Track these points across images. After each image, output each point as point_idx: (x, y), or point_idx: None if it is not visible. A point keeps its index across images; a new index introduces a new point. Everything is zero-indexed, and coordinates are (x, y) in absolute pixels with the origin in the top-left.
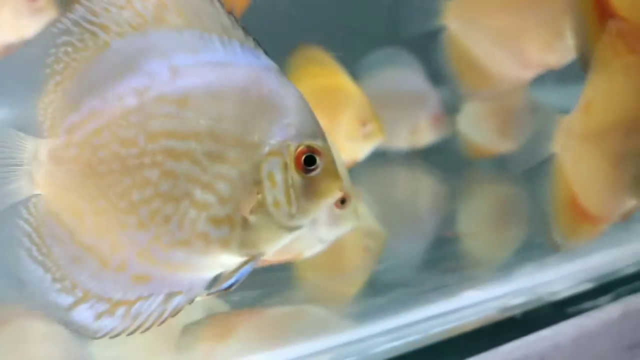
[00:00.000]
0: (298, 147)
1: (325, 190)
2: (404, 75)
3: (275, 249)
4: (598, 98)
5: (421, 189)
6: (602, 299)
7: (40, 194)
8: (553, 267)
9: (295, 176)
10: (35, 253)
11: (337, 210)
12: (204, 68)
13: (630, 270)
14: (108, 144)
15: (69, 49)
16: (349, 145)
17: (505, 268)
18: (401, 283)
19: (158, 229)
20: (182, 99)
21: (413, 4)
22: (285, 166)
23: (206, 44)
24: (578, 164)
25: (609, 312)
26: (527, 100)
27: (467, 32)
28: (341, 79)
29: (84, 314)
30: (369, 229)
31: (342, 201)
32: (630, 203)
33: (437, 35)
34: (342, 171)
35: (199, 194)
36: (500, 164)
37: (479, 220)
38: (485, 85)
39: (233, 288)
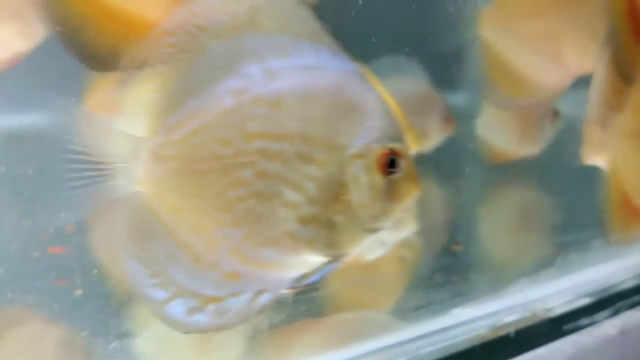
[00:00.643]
0: (381, 149)
1: (406, 192)
2: (408, 82)
3: (356, 250)
4: None
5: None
6: (600, 315)
7: (139, 191)
8: (548, 282)
9: (377, 178)
10: (135, 249)
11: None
12: (295, 71)
13: (629, 284)
14: (207, 143)
15: (173, 50)
16: None
17: (498, 283)
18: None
19: (250, 228)
20: (276, 101)
21: (445, 14)
22: (369, 168)
23: (297, 48)
24: (629, 163)
25: (607, 328)
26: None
27: (502, 40)
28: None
29: (177, 309)
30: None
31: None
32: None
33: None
34: None
35: (289, 193)
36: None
37: (479, 229)
38: (523, 94)
39: (316, 284)
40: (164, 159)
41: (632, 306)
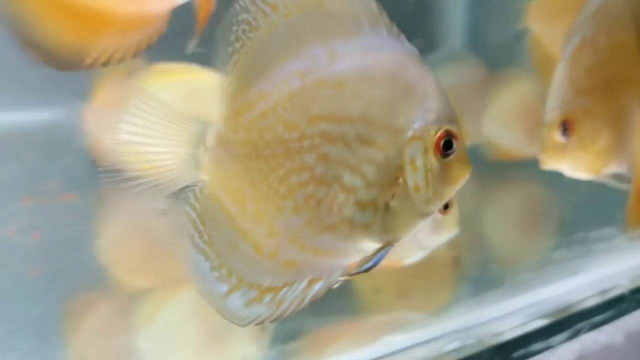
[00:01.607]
0: (438, 131)
1: (459, 174)
2: (467, 70)
3: (409, 234)
4: None
5: None
6: (556, 339)
7: (205, 179)
8: (495, 302)
9: (433, 160)
10: (198, 240)
11: (439, 216)
12: (357, 53)
13: (590, 302)
14: (273, 126)
15: (246, 27)
16: None
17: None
18: (303, 330)
19: (310, 214)
20: (339, 83)
21: (493, 8)
22: (426, 150)
23: (358, 29)
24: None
25: (564, 353)
26: None
27: (550, 33)
28: None
29: (236, 302)
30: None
31: (446, 206)
32: None
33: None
34: None
35: (348, 177)
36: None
37: None
38: None
39: (372, 269)
40: (231, 144)
41: (592, 327)
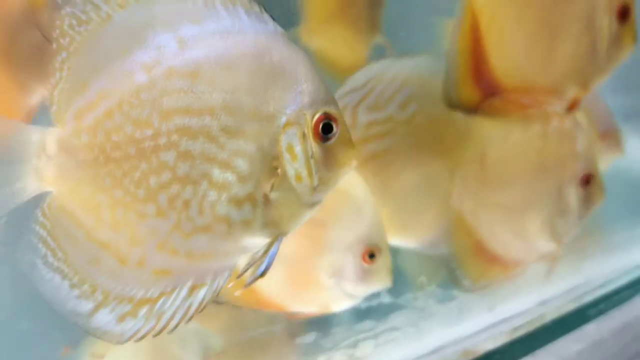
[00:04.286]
0: (315, 114)
1: (344, 158)
2: None
3: (297, 227)
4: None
5: None
6: None
7: (51, 191)
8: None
9: (314, 146)
10: (51, 259)
11: (365, 265)
12: (211, 38)
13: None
14: (121, 126)
15: (73, 21)
16: None
17: None
18: None
19: (178, 216)
20: (193, 72)
21: None
22: (304, 136)
23: (211, 13)
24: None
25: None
26: None
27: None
28: None
29: (106, 318)
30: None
31: (371, 255)
32: (546, 246)
33: None
34: (376, 217)
35: (217, 173)
36: None
37: None
38: None
39: (266, 274)
40: (75, 150)
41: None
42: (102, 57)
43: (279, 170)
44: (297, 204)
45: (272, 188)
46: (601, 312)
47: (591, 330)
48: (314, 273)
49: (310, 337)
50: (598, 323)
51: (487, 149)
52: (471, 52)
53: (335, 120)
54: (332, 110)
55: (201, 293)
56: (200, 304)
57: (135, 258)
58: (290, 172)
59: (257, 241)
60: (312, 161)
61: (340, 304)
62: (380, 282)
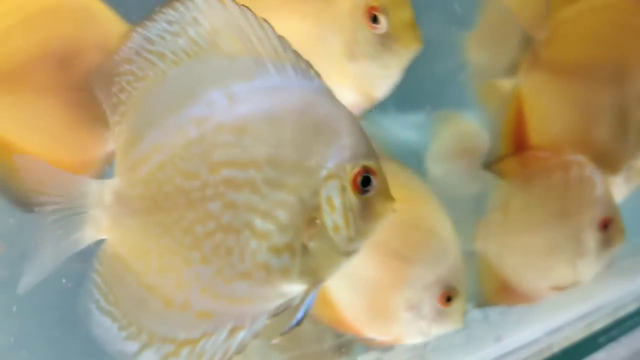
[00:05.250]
0: (354, 168)
1: (381, 210)
2: None
3: (333, 275)
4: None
5: None
6: None
7: (106, 239)
8: None
9: (352, 198)
10: (104, 303)
11: (441, 307)
12: (259, 94)
13: None
14: (172, 177)
15: (131, 77)
16: None
17: None
18: None
19: (221, 263)
20: (241, 127)
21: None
22: (343, 189)
23: (260, 69)
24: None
25: None
26: None
27: (490, 62)
28: None
29: (150, 358)
30: None
31: (448, 299)
32: (569, 286)
33: None
34: (458, 260)
35: (259, 223)
36: None
37: None
38: None
39: (302, 322)
40: (129, 200)
41: None
42: (156, 112)
43: (317, 221)
44: (334, 254)
45: (310, 238)
46: (612, 339)
47: (601, 359)
48: (392, 304)
49: None
50: (608, 351)
51: (510, 197)
52: (514, 133)
53: (374, 173)
54: (371, 163)
55: (240, 335)
56: (238, 345)
57: (179, 301)
58: (329, 223)
59: (294, 288)
60: (350, 213)
61: (412, 338)
62: (453, 325)
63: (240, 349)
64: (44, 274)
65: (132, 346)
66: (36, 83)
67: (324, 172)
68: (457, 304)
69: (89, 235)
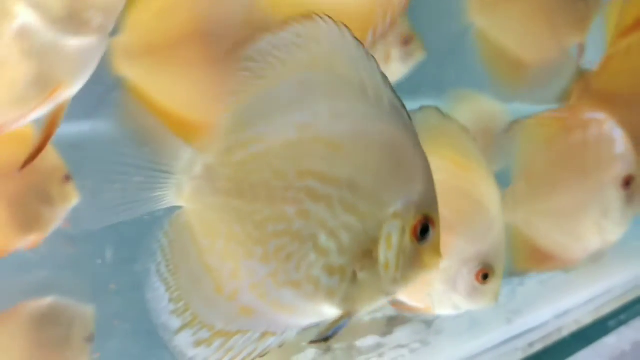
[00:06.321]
0: (418, 214)
1: (429, 262)
2: None
3: (368, 310)
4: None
5: None
6: None
7: (183, 207)
8: None
9: (408, 242)
10: (163, 268)
11: (477, 284)
12: (359, 117)
13: None
14: (262, 170)
15: (248, 74)
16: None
17: None
18: None
19: (278, 265)
20: (335, 144)
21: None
22: (403, 230)
23: (363, 96)
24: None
25: None
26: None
27: (496, 24)
28: None
29: (187, 340)
30: None
31: (485, 276)
32: (595, 246)
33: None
34: (501, 238)
35: (323, 239)
36: None
37: None
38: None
39: (330, 340)
40: (217, 178)
41: None
42: (267, 107)
43: (373, 253)
44: (377, 290)
45: (362, 268)
46: (622, 323)
47: (611, 343)
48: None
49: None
50: (618, 335)
51: (532, 162)
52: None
53: (434, 225)
54: (434, 215)
55: (269, 341)
56: (264, 350)
57: (229, 290)
58: (382, 259)
59: (332, 311)
60: (402, 255)
61: (443, 310)
62: (486, 303)
63: (264, 354)
64: (116, 220)
65: (175, 322)
66: (186, 56)
67: (392, 209)
68: (492, 284)
69: (168, 197)
